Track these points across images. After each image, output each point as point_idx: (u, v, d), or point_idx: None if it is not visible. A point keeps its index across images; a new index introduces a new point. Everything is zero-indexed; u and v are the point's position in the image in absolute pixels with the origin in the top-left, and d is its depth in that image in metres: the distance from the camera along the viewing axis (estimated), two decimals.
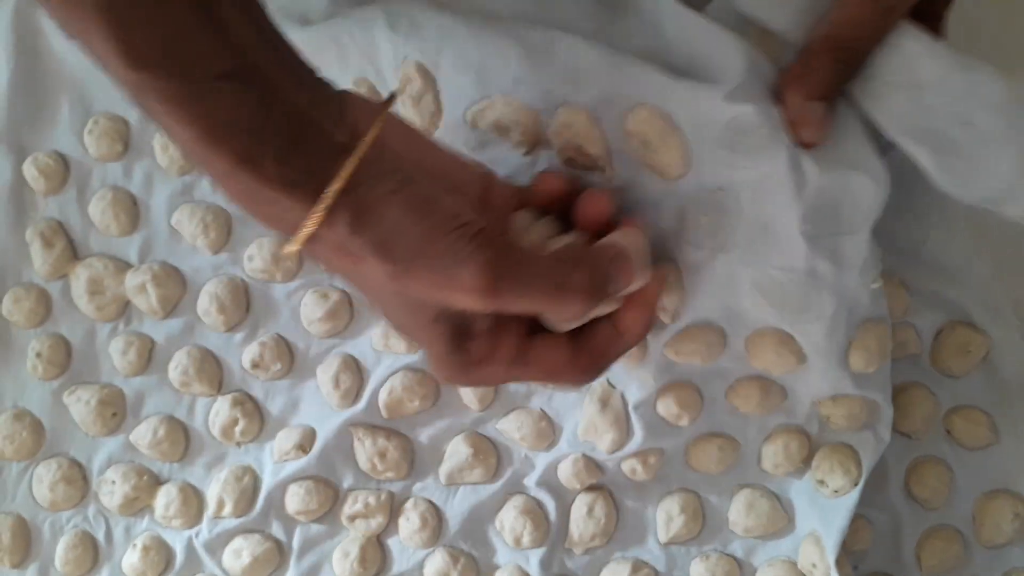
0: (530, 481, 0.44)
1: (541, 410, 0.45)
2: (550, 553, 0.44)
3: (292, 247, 0.30)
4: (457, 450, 0.44)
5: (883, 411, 0.41)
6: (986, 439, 0.45)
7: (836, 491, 0.41)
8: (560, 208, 0.36)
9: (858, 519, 0.43)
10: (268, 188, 0.28)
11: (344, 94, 0.31)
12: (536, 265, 0.31)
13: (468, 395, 0.44)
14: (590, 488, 0.44)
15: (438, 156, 0.33)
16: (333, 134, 0.29)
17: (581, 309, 0.32)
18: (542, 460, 0.44)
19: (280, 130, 0.28)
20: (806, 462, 0.43)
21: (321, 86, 0.30)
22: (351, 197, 0.29)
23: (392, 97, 0.32)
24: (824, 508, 0.42)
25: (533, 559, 0.44)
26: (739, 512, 0.44)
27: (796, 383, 0.41)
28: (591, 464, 0.43)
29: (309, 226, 0.29)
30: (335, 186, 0.28)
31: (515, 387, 0.45)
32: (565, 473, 0.43)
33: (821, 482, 0.42)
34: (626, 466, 0.43)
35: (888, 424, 0.41)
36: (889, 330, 0.40)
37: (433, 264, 0.30)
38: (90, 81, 0.45)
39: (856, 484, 0.41)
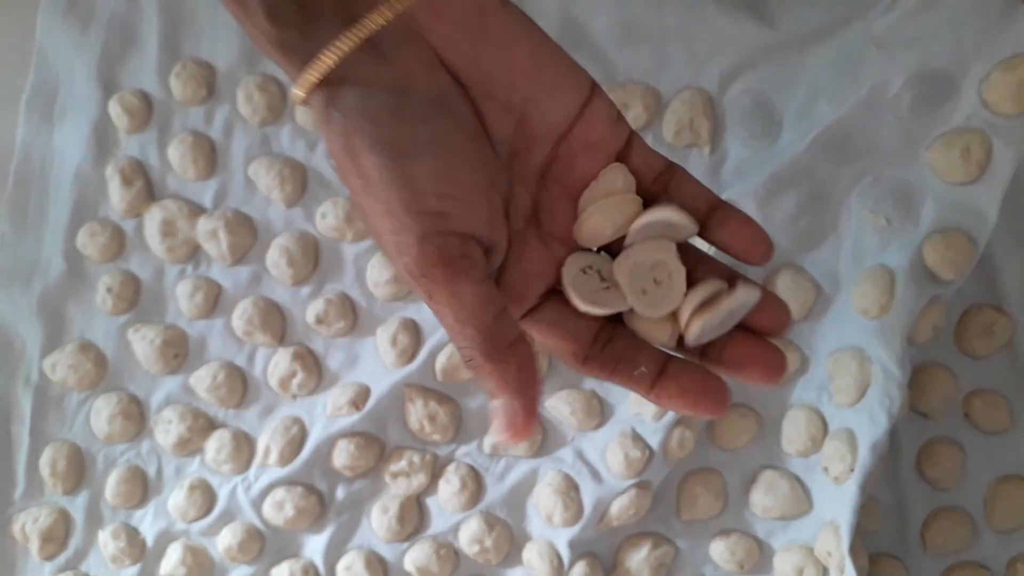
0: (573, 463, 0.45)
1: (592, 390, 0.45)
2: (581, 534, 0.44)
3: (296, 99, 0.28)
4: None
5: (884, 385, 0.41)
6: (1003, 424, 0.45)
7: (836, 478, 0.42)
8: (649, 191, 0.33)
9: (868, 499, 0.43)
10: (261, 41, 0.27)
11: None
12: (464, 296, 0.28)
13: None
14: (640, 485, 0.44)
15: (508, 56, 0.29)
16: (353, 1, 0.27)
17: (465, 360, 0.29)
18: (589, 444, 0.45)
19: None
20: (818, 444, 0.43)
21: None
22: (328, 87, 0.27)
23: None
24: (834, 494, 0.42)
25: (563, 537, 0.44)
26: (759, 492, 0.44)
27: (813, 334, 0.43)
28: (639, 443, 0.43)
29: (299, 92, 0.27)
30: (311, 76, 0.26)
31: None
32: (615, 460, 0.44)
33: (825, 469, 0.42)
34: (675, 438, 0.43)
35: (886, 407, 0.41)
36: (894, 279, 0.42)
37: (378, 225, 0.28)
38: (182, 25, 0.46)
39: (852, 470, 0.41)
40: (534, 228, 0.32)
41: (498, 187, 0.30)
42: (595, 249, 0.33)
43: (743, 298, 0.31)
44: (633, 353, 0.31)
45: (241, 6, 0.27)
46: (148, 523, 0.46)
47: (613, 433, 0.44)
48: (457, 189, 0.27)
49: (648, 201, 0.31)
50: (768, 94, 0.44)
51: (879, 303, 0.41)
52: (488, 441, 0.45)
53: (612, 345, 0.31)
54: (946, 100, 0.41)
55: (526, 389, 0.28)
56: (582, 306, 0.31)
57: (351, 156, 0.27)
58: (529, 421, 0.28)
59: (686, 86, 0.45)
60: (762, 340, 0.31)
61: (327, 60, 0.26)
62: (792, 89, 0.44)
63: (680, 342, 0.32)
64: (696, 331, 0.31)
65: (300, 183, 0.46)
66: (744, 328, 0.31)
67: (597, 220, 0.32)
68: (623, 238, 0.32)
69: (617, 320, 0.32)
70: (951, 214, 0.42)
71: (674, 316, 0.32)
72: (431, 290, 0.28)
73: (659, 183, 0.31)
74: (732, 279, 0.32)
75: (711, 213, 0.31)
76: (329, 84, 0.27)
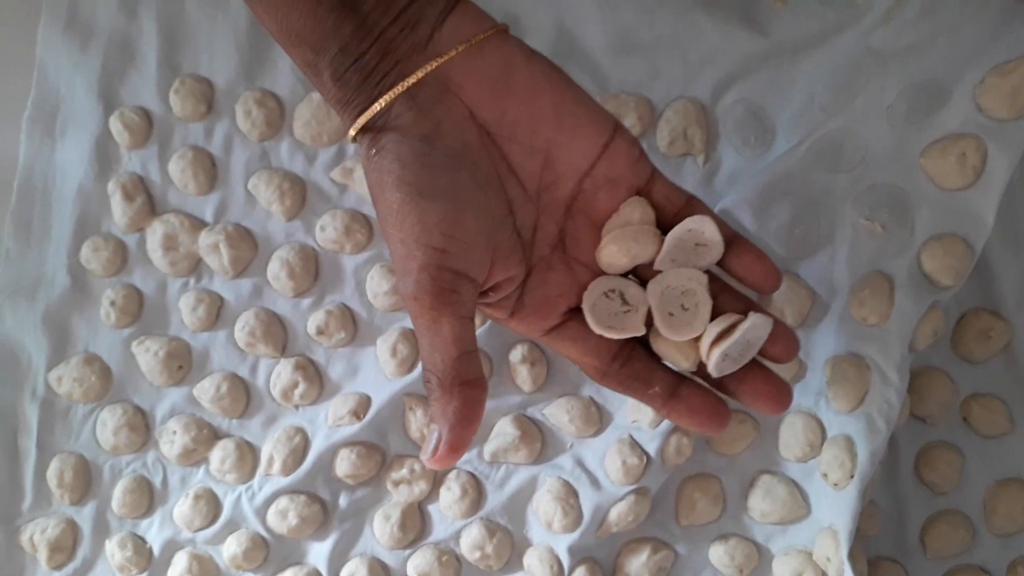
0: (572, 469, 0.45)
1: (590, 397, 0.46)
2: (580, 540, 0.45)
3: (350, 140, 0.33)
4: (504, 430, 0.45)
5: (882, 391, 0.42)
6: (1002, 428, 0.45)
7: (836, 484, 0.42)
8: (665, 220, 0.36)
9: (867, 504, 0.44)
10: (327, 97, 0.32)
11: (452, 11, 0.31)
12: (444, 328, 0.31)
13: (521, 375, 0.45)
14: (638, 492, 0.44)
15: (531, 106, 0.33)
16: (399, 62, 0.31)
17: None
18: (587, 451, 0.45)
19: (347, 50, 0.30)
20: (816, 449, 0.43)
21: (416, 7, 0.31)
22: (372, 132, 0.31)
23: (502, 29, 0.32)
24: (833, 500, 0.42)
25: (563, 543, 0.45)
26: (757, 497, 0.45)
27: (809, 341, 0.43)
28: (637, 450, 0.44)
29: (351, 133, 0.32)
30: (360, 121, 0.31)
31: (567, 374, 0.46)
32: (614, 467, 0.44)
33: (825, 475, 0.43)
34: (672, 445, 0.44)
35: (885, 414, 0.42)
36: (892, 285, 0.42)
37: (393, 249, 0.32)
38: (180, 42, 0.46)
39: (851, 476, 0.41)
40: (560, 254, 0.35)
41: (507, 232, 0.33)
42: (625, 275, 0.36)
43: (757, 326, 0.34)
44: (649, 374, 0.36)
45: (314, 71, 0.31)
46: (154, 532, 0.47)
47: (611, 440, 0.44)
48: (460, 232, 0.31)
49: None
50: (761, 103, 0.45)
51: (878, 311, 0.42)
52: (488, 449, 0.46)
53: (630, 365, 0.36)
54: (940, 107, 0.42)
55: (459, 427, 0.31)
56: (597, 329, 0.35)
57: (380, 189, 0.31)
58: (448, 454, 0.31)
59: (679, 96, 0.45)
60: (771, 375, 0.35)
61: (373, 110, 0.31)
62: (785, 97, 0.44)
63: (699, 368, 0.35)
64: (717, 358, 0.34)
65: (299, 197, 0.46)
66: (755, 360, 0.35)
67: (613, 248, 0.35)
68: (651, 266, 0.35)
69: (636, 339, 0.35)
70: (947, 220, 0.42)
71: (696, 343, 0.35)
72: (418, 312, 0.31)
73: (679, 217, 0.35)
74: (747, 310, 0.35)
75: (728, 246, 0.35)
76: (373, 129, 0.31)
